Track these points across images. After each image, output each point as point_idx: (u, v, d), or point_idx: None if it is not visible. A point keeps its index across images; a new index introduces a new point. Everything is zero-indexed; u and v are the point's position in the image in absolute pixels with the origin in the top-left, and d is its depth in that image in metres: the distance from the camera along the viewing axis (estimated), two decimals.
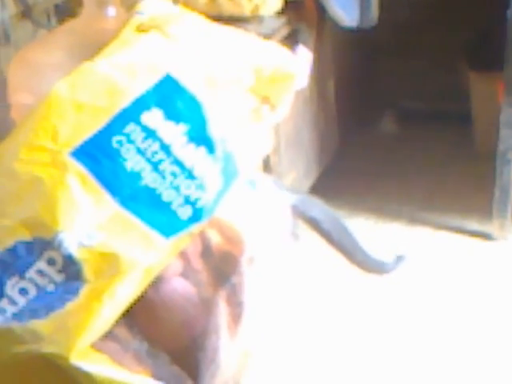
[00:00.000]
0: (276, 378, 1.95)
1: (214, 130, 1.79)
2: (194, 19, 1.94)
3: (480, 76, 2.86)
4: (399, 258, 2.26)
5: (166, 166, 1.73)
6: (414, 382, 2.16)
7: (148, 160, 1.72)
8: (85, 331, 1.62)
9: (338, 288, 2.38)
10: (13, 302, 1.63)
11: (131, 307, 1.69)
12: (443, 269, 2.45)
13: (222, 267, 1.82)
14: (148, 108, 1.75)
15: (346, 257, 2.24)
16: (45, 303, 1.64)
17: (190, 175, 1.75)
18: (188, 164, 1.75)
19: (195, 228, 1.74)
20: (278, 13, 2.41)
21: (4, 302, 1.62)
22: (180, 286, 1.78)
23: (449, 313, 2.34)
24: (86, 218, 1.67)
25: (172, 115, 1.77)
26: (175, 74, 1.79)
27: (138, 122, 1.73)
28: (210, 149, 1.78)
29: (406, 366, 2.21)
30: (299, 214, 2.17)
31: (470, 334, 2.28)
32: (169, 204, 1.73)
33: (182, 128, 1.76)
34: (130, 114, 1.74)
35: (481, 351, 2.22)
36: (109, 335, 1.66)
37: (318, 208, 2.25)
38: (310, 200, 2.28)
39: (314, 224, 2.22)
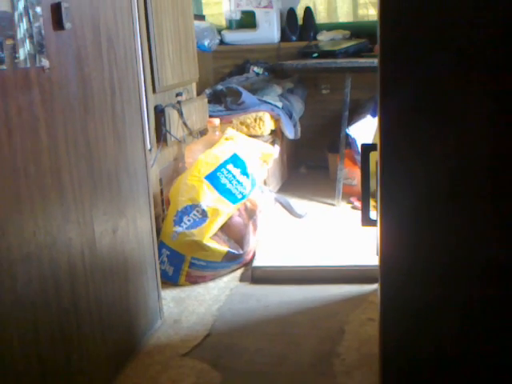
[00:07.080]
0: (272, 250, 1.81)
1: (249, 170, 1.80)
2: (242, 136, 1.90)
3: (332, 155, 2.59)
4: (306, 213, 2.20)
5: (234, 182, 1.75)
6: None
7: (229, 180, 1.75)
8: (208, 233, 1.65)
9: (290, 222, 2.15)
10: (185, 223, 1.65)
11: (223, 225, 1.69)
12: (318, 216, 2.23)
13: (251, 213, 1.77)
14: (228, 164, 1.77)
15: (289, 213, 2.17)
16: (196, 222, 1.62)
17: (241, 185, 1.76)
18: (241, 181, 1.76)
19: (243, 201, 1.75)
20: (269, 134, 2.35)
21: (183, 223, 1.65)
22: (238, 219, 1.75)
23: (319, 231, 2.07)
24: (210, 199, 1.69)
25: (236, 166, 1.78)
26: (237, 153, 1.80)
27: (226, 168, 1.76)
28: (248, 176, 1.78)
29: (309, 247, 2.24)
30: (276, 200, 2.13)
31: (328, 237, 2.21)
32: (235, 194, 1.74)
33: (239, 170, 1.78)
34: (223, 165, 1.75)
35: (333, 244, 2.07)
36: (215, 234, 1.66)
37: (283, 198, 2.19)
38: (281, 196, 2.21)
39: (280, 203, 2.16)
